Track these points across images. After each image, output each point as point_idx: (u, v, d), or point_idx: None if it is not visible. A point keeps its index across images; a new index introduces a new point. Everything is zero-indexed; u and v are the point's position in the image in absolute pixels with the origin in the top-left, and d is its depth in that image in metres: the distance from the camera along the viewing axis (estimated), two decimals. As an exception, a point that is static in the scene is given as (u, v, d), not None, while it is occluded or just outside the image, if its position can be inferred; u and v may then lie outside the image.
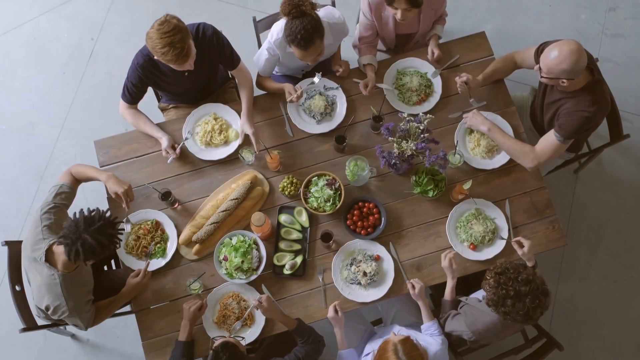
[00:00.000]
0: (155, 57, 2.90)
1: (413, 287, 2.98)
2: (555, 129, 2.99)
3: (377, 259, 3.10)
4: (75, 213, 2.65)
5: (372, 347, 2.83)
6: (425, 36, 3.51)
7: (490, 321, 2.74)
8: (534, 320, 2.58)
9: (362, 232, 3.13)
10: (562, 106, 2.97)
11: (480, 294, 2.92)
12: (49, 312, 2.83)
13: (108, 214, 2.66)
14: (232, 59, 3.22)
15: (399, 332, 2.75)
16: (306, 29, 2.89)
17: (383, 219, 3.13)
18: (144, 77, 3.10)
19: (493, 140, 3.18)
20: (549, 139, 3.02)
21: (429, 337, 2.81)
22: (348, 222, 3.16)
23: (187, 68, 2.96)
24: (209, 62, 3.18)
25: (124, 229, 2.75)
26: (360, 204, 3.18)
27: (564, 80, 2.79)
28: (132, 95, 3.16)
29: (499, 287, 2.53)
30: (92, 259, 2.62)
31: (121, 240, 2.73)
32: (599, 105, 2.89)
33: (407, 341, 2.47)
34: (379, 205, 3.15)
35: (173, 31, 2.78)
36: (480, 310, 2.79)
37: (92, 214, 2.62)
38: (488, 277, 2.62)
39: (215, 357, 2.54)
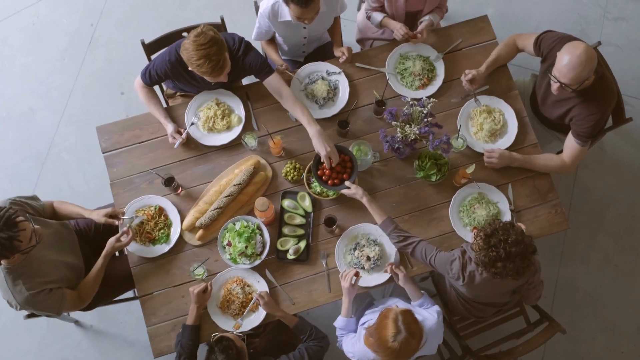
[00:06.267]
0: (190, 68, 2.89)
1: (396, 275, 3.00)
2: (574, 135, 3.07)
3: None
4: None
5: (369, 317, 2.86)
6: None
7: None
8: (523, 277, 2.60)
9: (330, 182, 3.07)
10: (573, 109, 3.02)
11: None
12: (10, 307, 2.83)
13: (6, 213, 2.53)
14: (261, 72, 3.11)
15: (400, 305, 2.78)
16: None
17: (354, 172, 3.08)
18: (170, 73, 3.09)
19: (531, 169, 3.20)
20: (573, 147, 3.09)
21: (425, 312, 2.82)
22: (319, 172, 3.10)
23: (221, 80, 2.96)
24: (239, 74, 3.21)
25: (23, 229, 2.56)
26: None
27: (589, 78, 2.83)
28: (152, 80, 3.16)
29: (489, 249, 2.51)
30: None
31: (21, 242, 2.55)
32: (606, 102, 2.98)
33: (408, 313, 2.50)
34: (352, 159, 3.09)
35: (209, 43, 2.76)
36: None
37: None
38: (477, 239, 2.59)
39: (209, 352, 2.57)
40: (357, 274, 2.89)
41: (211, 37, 2.78)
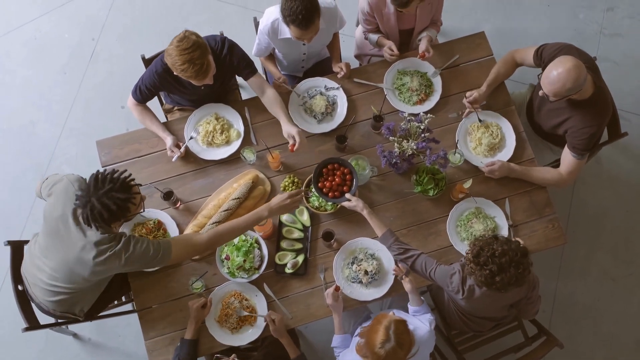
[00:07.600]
0: (175, 73, 2.92)
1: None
2: (569, 148, 3.08)
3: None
4: (92, 175, 2.58)
5: (362, 327, 2.86)
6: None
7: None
8: (525, 285, 2.64)
9: (330, 194, 3.07)
10: (568, 120, 3.04)
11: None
12: None
13: (122, 175, 2.57)
14: (245, 71, 3.18)
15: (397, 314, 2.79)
16: (307, 8, 2.93)
17: (355, 184, 3.07)
18: (160, 84, 3.12)
19: (529, 180, 3.22)
20: (570, 160, 3.10)
21: (417, 321, 2.82)
22: (320, 184, 3.10)
23: (206, 83, 2.99)
24: (226, 74, 3.21)
25: (138, 193, 2.62)
26: (335, 165, 3.11)
27: (574, 95, 2.85)
28: (144, 96, 3.19)
29: (481, 268, 2.53)
30: (105, 224, 2.55)
31: (134, 205, 2.60)
32: (603, 115, 3.00)
33: (402, 323, 2.49)
34: (353, 173, 3.09)
35: (192, 47, 2.79)
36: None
37: (105, 175, 2.54)
38: (468, 263, 2.61)
39: None
40: (337, 288, 2.91)
41: (194, 41, 2.81)
